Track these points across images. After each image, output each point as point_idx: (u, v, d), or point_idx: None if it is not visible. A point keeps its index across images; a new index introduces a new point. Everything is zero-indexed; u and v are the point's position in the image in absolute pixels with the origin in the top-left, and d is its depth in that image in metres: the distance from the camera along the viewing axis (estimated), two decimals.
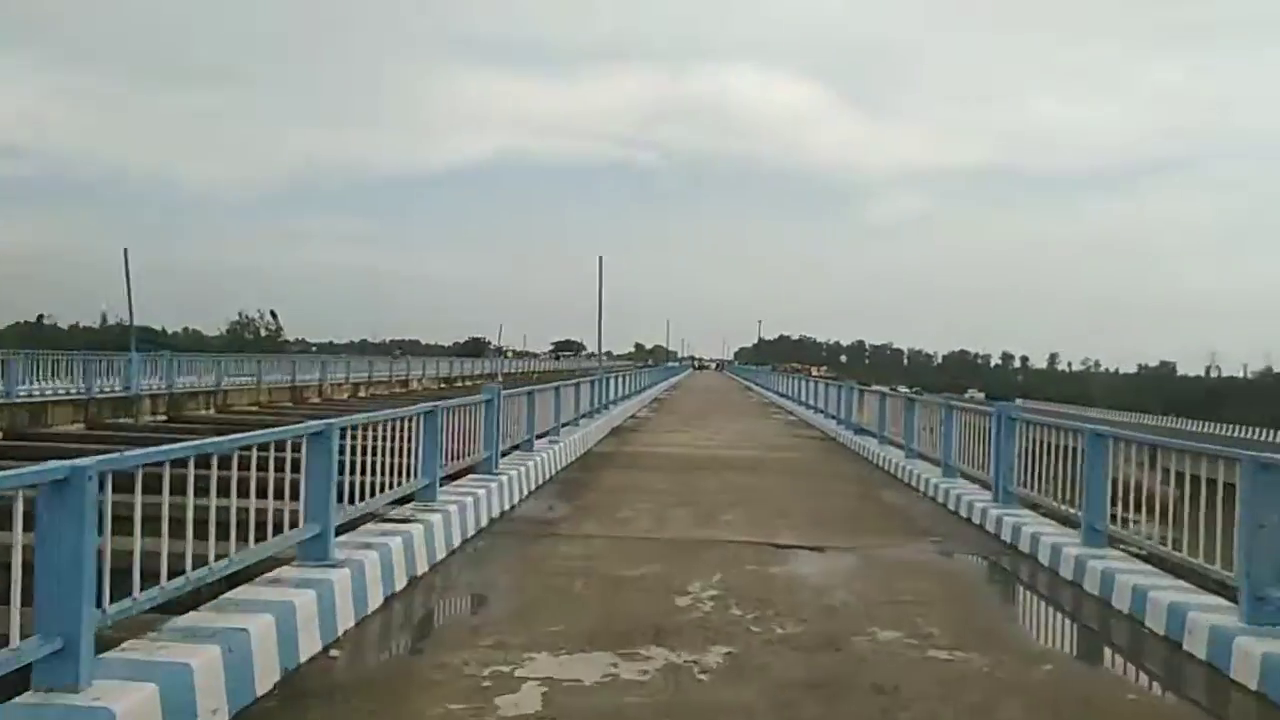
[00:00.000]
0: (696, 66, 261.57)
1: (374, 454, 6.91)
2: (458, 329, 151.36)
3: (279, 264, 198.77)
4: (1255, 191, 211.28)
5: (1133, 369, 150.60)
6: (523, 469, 10.41)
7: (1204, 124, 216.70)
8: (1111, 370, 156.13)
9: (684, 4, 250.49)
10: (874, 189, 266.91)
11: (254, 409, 24.50)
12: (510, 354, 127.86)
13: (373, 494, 6.74)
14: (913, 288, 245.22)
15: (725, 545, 7.99)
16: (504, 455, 11.07)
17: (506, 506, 9.31)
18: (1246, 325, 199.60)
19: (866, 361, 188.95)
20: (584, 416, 17.11)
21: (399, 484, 7.29)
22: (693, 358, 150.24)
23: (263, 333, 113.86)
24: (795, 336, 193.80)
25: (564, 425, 14.89)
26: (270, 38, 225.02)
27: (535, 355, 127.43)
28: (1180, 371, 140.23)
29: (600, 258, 26.93)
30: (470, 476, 9.36)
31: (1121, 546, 7.15)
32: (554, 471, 11.98)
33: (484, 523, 8.43)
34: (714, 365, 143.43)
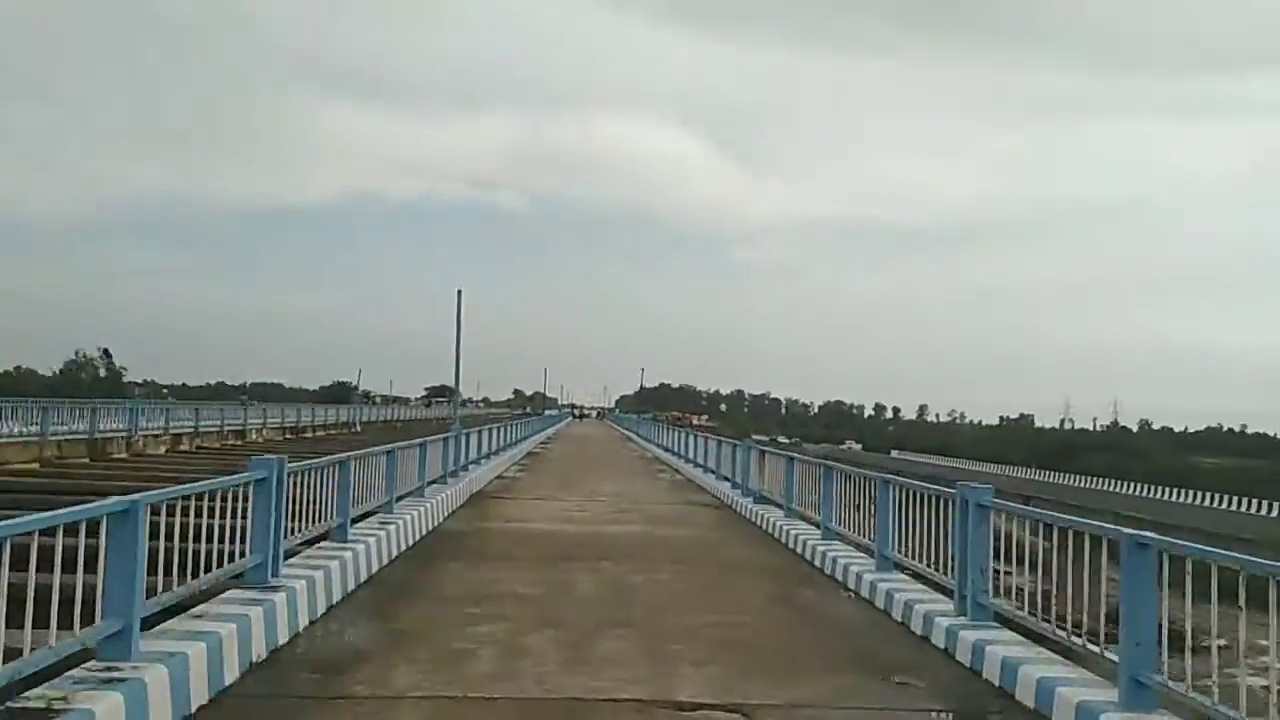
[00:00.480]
0: (569, 111, 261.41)
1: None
2: (325, 373, 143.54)
3: (129, 299, 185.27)
4: (1103, 254, 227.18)
5: (995, 420, 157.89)
6: (321, 573, 7.40)
7: (1053, 188, 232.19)
8: (976, 422, 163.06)
9: (557, 49, 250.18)
10: (749, 239, 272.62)
11: (32, 467, 20.18)
12: (378, 400, 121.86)
13: None
14: (789, 338, 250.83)
15: (602, 710, 5.28)
16: (308, 546, 8.09)
17: (282, 640, 6.30)
18: (1097, 379, 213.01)
19: (746, 410, 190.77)
20: (434, 483, 14.11)
21: (58, 640, 4.28)
22: (573, 405, 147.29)
23: (102, 373, 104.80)
24: (676, 385, 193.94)
25: (403, 497, 11.91)
26: (109, 57, 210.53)
27: (406, 401, 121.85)
28: (1038, 423, 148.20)
29: (459, 291, 24.01)
30: (227, 596, 6.34)
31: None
32: (374, 569, 8.97)
33: (230, 678, 5.42)
34: (595, 413, 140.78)
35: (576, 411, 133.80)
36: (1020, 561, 6.83)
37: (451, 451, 15.95)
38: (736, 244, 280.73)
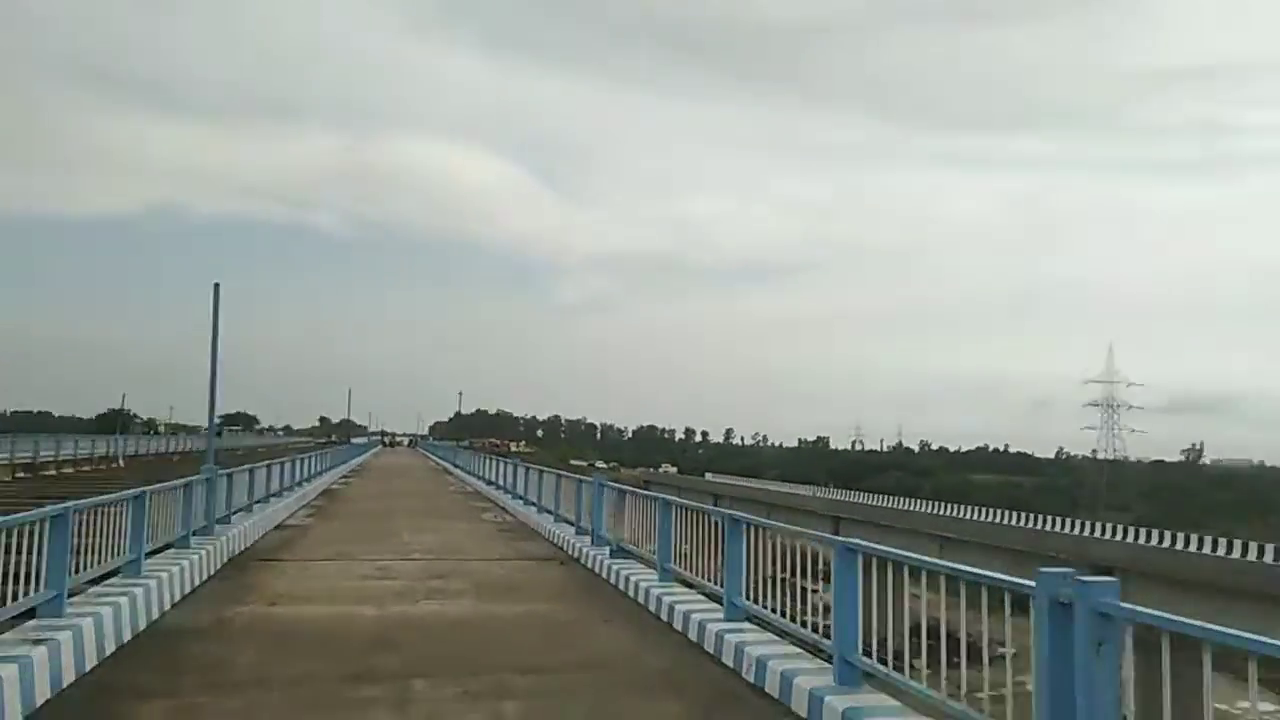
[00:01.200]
0: (387, 134, 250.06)
1: None
2: (106, 400, 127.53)
3: None
4: (887, 291, 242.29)
5: (794, 442, 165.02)
6: None
7: (842, 229, 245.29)
8: (777, 444, 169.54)
9: (375, 71, 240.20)
10: (566, 269, 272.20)
11: None
12: (162, 428, 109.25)
13: None
14: (603, 365, 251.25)
15: None
16: None
17: None
18: (883, 404, 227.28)
19: (563, 436, 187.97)
20: (162, 550, 9.86)
21: None
22: (383, 433, 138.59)
23: None
24: (493, 411, 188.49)
25: (95, 582, 7.74)
26: None
27: (196, 430, 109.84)
28: (833, 444, 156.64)
29: (216, 285, 19.11)
30: None
31: None
32: None
33: None
34: (407, 441, 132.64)
35: (386, 439, 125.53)
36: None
37: (201, 500, 11.62)
38: (553, 273, 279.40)
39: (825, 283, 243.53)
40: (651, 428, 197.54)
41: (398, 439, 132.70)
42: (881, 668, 5.72)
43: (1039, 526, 44.74)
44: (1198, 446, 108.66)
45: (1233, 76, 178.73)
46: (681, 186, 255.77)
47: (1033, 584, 4.27)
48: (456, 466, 44.39)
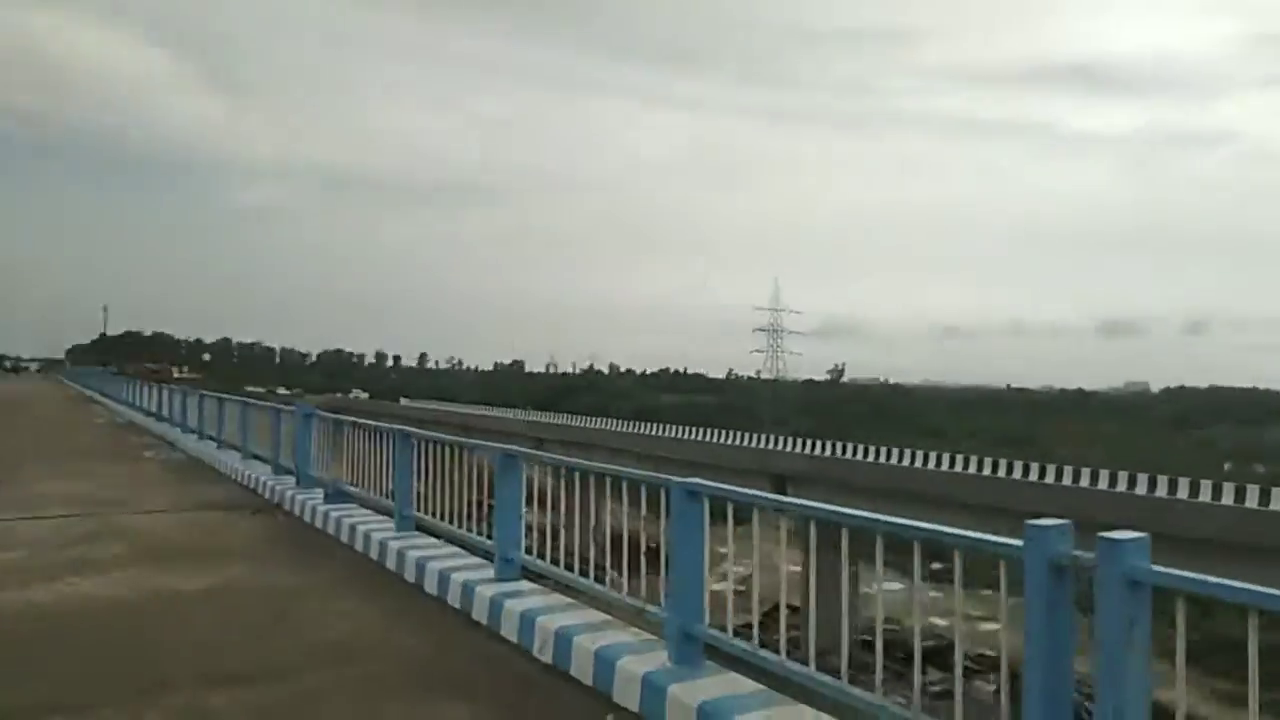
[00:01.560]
0: (8, 5, 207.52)
1: None
2: None
3: None
4: (575, 216, 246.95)
5: (490, 366, 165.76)
6: None
7: (536, 154, 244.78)
8: (473, 368, 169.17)
9: None
10: (237, 177, 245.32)
11: None
12: None
13: None
14: (282, 285, 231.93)
15: None
16: None
17: None
18: (574, 328, 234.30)
19: (234, 361, 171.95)
20: None
21: None
22: (3, 357, 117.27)
23: None
24: (148, 333, 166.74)
25: None
26: None
27: None
28: (529, 368, 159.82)
29: None
30: None
31: None
32: None
33: None
34: (36, 367, 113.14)
35: (9, 364, 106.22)
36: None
37: None
38: (221, 181, 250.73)
39: (518, 205, 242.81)
40: (339, 351, 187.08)
41: (23, 364, 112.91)
42: (741, 644, 4.46)
43: (725, 441, 47.92)
44: (839, 367, 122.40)
45: (881, 43, 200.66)
46: (370, 96, 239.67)
47: (1019, 543, 3.15)
48: (106, 395, 37.79)
